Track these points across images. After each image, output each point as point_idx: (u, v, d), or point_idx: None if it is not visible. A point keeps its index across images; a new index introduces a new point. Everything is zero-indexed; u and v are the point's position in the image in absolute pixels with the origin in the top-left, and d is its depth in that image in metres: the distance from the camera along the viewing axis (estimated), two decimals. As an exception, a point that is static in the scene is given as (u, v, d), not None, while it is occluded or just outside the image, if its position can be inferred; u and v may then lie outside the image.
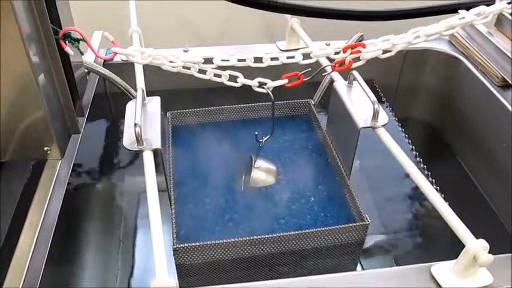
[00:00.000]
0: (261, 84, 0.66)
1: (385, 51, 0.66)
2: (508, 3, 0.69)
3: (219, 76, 0.65)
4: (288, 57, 0.65)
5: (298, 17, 1.03)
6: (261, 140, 0.77)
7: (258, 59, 0.65)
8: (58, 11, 0.70)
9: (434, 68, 1.13)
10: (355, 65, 0.67)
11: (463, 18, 0.67)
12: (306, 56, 0.66)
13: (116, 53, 0.66)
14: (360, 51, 0.65)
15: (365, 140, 0.75)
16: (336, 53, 0.66)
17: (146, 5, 1.05)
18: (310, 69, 0.66)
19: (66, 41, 0.69)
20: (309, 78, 0.66)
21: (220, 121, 0.92)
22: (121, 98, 0.96)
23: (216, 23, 1.33)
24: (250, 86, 0.66)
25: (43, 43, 0.67)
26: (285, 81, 0.66)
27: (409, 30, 0.67)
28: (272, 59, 0.65)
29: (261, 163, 0.79)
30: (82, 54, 0.79)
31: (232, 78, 0.66)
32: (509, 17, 0.90)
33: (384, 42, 0.66)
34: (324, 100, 0.99)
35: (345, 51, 0.65)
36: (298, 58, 0.65)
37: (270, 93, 0.66)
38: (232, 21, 1.32)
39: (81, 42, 0.71)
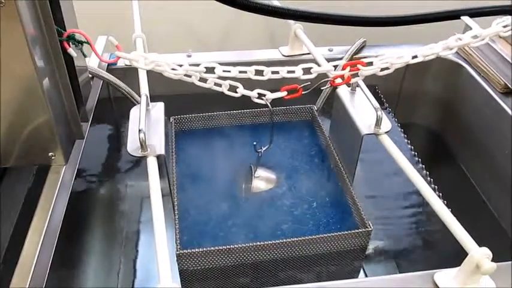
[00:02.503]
0: (260, 96, 0.66)
1: (383, 69, 0.68)
2: (504, 26, 0.71)
3: (220, 85, 0.66)
4: (288, 72, 0.66)
5: (302, 22, 1.04)
6: (259, 150, 0.77)
7: (259, 72, 0.66)
8: (62, 14, 0.69)
9: (436, 74, 1.13)
10: (353, 80, 0.68)
11: (460, 40, 0.69)
12: (306, 70, 0.67)
13: (119, 57, 0.67)
14: (359, 69, 0.67)
15: (368, 146, 0.75)
16: (335, 64, 0.68)
17: (150, 10, 1.05)
18: (309, 83, 0.67)
19: (70, 43, 0.69)
20: (308, 91, 0.67)
21: (224, 126, 0.92)
22: (124, 103, 0.96)
23: (219, 28, 1.33)
24: (251, 93, 0.67)
25: (47, 46, 0.66)
26: (284, 93, 0.67)
27: (406, 52, 0.69)
28: (273, 72, 0.66)
29: (260, 172, 0.79)
30: (85, 56, 0.78)
31: (232, 89, 0.66)
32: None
33: (382, 62, 0.67)
34: (327, 106, 0.99)
35: (344, 68, 0.67)
36: (298, 73, 0.66)
37: (269, 104, 0.67)
38: (235, 26, 1.32)
39: (84, 45, 0.71)
